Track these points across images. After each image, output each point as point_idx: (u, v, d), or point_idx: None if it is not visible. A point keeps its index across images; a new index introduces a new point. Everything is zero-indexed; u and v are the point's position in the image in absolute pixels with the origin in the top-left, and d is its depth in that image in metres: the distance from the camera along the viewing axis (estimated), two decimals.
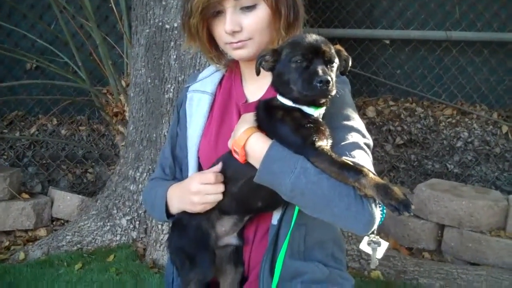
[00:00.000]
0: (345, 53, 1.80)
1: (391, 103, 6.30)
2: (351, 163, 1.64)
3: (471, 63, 6.17)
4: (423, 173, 5.78)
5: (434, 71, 6.23)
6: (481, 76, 6.18)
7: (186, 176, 2.09)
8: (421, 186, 4.51)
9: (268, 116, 1.78)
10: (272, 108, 1.78)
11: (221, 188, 1.84)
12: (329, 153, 1.65)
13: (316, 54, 1.68)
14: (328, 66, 1.69)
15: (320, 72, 1.64)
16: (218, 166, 1.86)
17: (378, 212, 1.65)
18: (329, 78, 1.63)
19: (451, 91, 6.21)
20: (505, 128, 5.85)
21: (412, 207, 1.53)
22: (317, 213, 1.69)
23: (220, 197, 1.84)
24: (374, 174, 1.64)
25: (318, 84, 1.62)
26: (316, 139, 1.67)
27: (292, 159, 1.67)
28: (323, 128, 1.72)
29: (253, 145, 1.74)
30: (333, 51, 1.73)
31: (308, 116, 1.74)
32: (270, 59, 1.76)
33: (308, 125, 1.70)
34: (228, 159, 1.85)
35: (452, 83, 6.19)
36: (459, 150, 5.82)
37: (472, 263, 4.21)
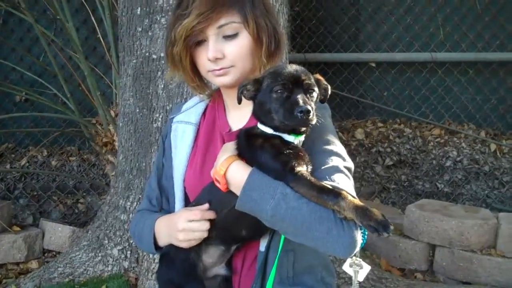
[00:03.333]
0: (324, 82, 1.83)
1: (379, 124, 6.35)
2: (330, 187, 1.66)
3: (457, 83, 6.24)
4: (413, 193, 5.80)
5: (420, 92, 6.29)
6: (468, 96, 6.24)
7: (173, 207, 2.11)
8: (411, 207, 4.52)
9: (248, 144, 1.80)
10: (252, 136, 1.81)
11: (206, 225, 1.85)
12: (308, 178, 1.67)
13: (296, 84, 1.71)
14: (308, 95, 1.72)
15: (301, 102, 1.66)
16: (206, 205, 1.89)
17: (359, 235, 1.66)
18: (309, 107, 1.65)
19: (438, 111, 6.27)
20: (493, 146, 5.90)
21: (391, 227, 1.55)
22: (299, 238, 1.70)
23: (205, 234, 1.87)
24: (354, 197, 1.66)
25: (299, 114, 1.65)
26: (295, 165, 1.69)
27: (272, 185, 1.69)
28: (302, 154, 1.74)
29: (233, 173, 1.76)
30: (312, 80, 1.76)
31: (288, 143, 1.76)
32: (251, 88, 1.79)
33: (288, 151, 1.72)
34: (211, 189, 1.87)
35: (439, 103, 6.26)
36: (448, 170, 5.85)
37: (465, 282, 4.20)
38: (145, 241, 2.10)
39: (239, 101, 1.82)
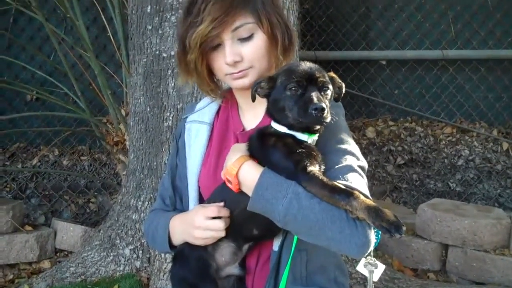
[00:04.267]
0: (339, 80, 1.83)
1: (390, 123, 6.32)
2: (343, 186, 1.65)
3: (469, 81, 6.20)
4: (425, 193, 5.77)
5: (431, 90, 6.26)
6: (479, 94, 6.20)
7: (187, 207, 2.11)
8: (423, 206, 4.49)
9: (261, 143, 1.80)
10: (265, 135, 1.80)
11: (223, 224, 1.84)
12: (320, 177, 1.66)
13: (310, 81, 1.70)
14: (323, 93, 1.71)
15: (315, 99, 1.66)
16: (222, 203, 1.88)
17: (372, 234, 1.65)
18: (324, 105, 1.64)
19: (450, 109, 6.22)
20: (505, 145, 5.85)
21: (404, 228, 1.53)
22: (312, 238, 1.69)
23: (222, 234, 1.85)
24: (367, 196, 1.66)
25: (313, 112, 1.64)
26: (308, 164, 1.68)
27: (284, 185, 1.68)
28: (315, 153, 1.74)
29: (245, 173, 1.75)
30: (327, 78, 1.75)
31: (301, 142, 1.75)
32: (265, 86, 1.79)
33: (300, 150, 1.71)
34: (222, 189, 1.87)
35: (451, 102, 6.21)
36: (460, 169, 5.82)
37: (478, 282, 4.18)
38: (159, 240, 2.09)
39: (253, 99, 1.82)
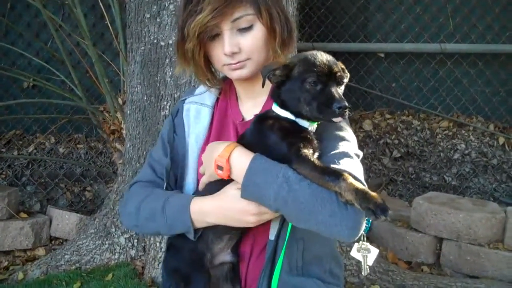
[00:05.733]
0: (346, 72, 1.82)
1: (387, 116, 6.32)
2: (333, 168, 1.65)
3: (466, 75, 6.19)
4: (421, 186, 5.79)
5: (429, 84, 6.25)
6: (477, 88, 6.19)
7: (181, 186, 2.08)
8: (419, 199, 4.50)
9: (259, 126, 1.81)
10: (265, 118, 1.82)
11: None
12: (312, 159, 1.66)
13: (329, 75, 1.70)
14: (339, 88, 1.72)
15: (338, 96, 1.67)
16: None
17: (363, 218, 1.65)
18: (347, 103, 1.66)
19: (447, 103, 6.22)
20: (502, 140, 5.86)
21: (390, 212, 1.54)
22: (303, 222, 1.69)
23: (276, 214, 1.80)
24: (361, 182, 1.66)
25: (337, 110, 1.65)
26: (301, 146, 1.69)
27: (274, 168, 1.68)
28: (310, 138, 1.75)
29: (237, 158, 1.76)
30: (343, 72, 1.75)
31: (300, 128, 1.77)
32: (280, 74, 1.77)
33: (296, 134, 1.73)
34: (209, 187, 1.89)
35: (448, 95, 6.21)
36: (456, 162, 5.83)
37: (471, 276, 4.19)
38: (169, 220, 1.92)
39: (263, 85, 1.80)
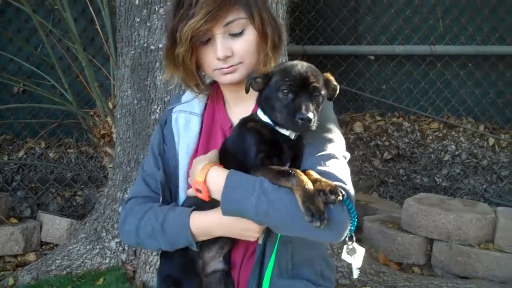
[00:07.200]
0: (334, 83, 1.83)
1: (378, 118, 6.34)
2: (288, 168, 1.68)
3: (456, 77, 6.23)
4: (412, 187, 5.81)
5: (419, 86, 6.28)
6: (467, 89, 6.23)
7: (175, 198, 2.07)
8: (409, 200, 4.51)
9: (240, 127, 1.84)
10: (248, 120, 1.85)
11: None
12: (266, 163, 1.71)
13: (303, 86, 1.71)
14: (313, 99, 1.72)
15: (303, 108, 1.67)
16: None
17: (347, 218, 1.64)
18: (310, 115, 1.66)
19: (437, 105, 6.25)
20: (491, 141, 5.90)
21: (325, 222, 1.54)
22: (288, 230, 1.69)
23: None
24: (343, 181, 1.67)
25: (300, 121, 1.66)
26: (266, 154, 1.73)
27: (250, 181, 1.68)
28: (284, 148, 1.78)
29: (213, 178, 1.75)
30: (320, 83, 1.75)
31: (280, 134, 1.79)
32: (260, 82, 1.79)
33: (271, 142, 1.76)
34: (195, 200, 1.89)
35: (438, 97, 6.24)
36: (447, 164, 5.85)
37: (462, 276, 4.20)
38: (170, 238, 1.91)
39: (247, 91, 1.82)
